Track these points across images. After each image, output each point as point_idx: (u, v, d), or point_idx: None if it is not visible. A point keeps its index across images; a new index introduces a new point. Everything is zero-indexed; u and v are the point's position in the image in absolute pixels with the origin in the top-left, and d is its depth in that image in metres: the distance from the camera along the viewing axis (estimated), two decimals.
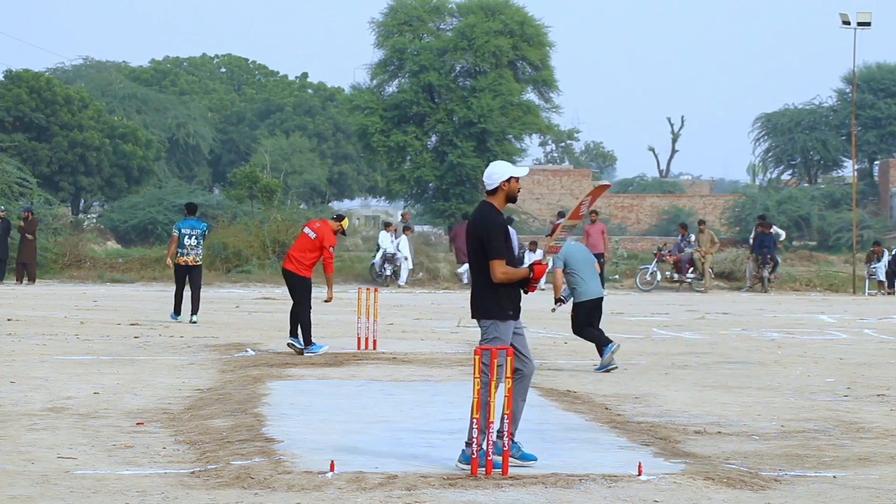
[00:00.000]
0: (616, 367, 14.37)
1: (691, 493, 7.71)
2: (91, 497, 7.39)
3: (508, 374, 8.14)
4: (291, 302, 15.87)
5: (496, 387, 8.16)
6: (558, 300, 14.93)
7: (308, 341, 15.57)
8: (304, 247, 15.88)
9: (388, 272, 33.81)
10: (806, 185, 63.17)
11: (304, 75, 76.00)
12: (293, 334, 15.59)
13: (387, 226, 36.05)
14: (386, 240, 34.06)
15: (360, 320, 16.29)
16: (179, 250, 20.36)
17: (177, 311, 20.34)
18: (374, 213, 75.76)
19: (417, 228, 39.81)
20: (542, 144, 79.82)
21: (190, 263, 20.38)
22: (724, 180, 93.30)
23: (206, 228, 20.82)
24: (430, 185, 46.19)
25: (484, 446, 8.07)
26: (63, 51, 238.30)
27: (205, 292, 29.60)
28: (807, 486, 8.08)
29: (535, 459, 8.40)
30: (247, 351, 15.76)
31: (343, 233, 16.48)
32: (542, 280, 9.38)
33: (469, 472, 8.08)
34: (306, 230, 16.09)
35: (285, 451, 8.76)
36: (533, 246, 35.40)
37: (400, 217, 36.63)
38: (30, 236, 32.20)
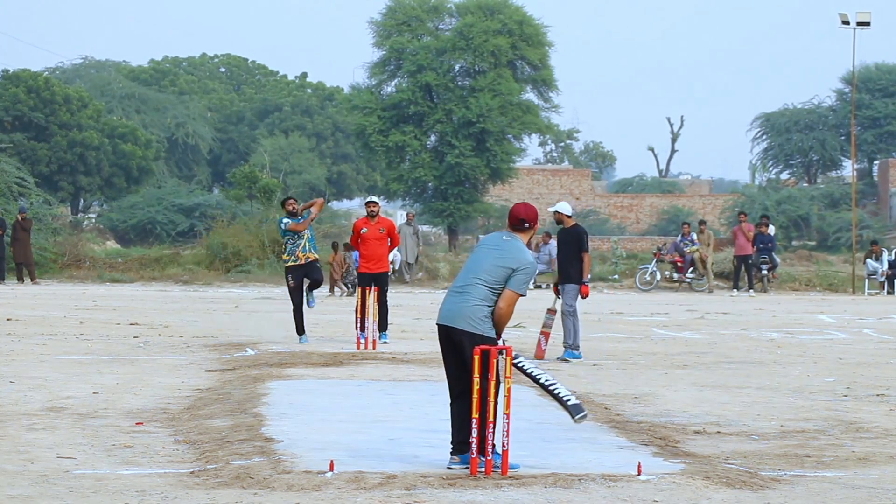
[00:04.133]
0: None
1: (690, 492, 7.71)
2: (90, 497, 7.39)
3: (508, 374, 8.14)
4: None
5: (496, 386, 8.15)
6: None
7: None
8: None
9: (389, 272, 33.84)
10: (805, 184, 63.21)
11: (304, 75, 76.01)
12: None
13: None
14: None
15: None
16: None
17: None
18: None
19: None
20: (542, 144, 79.83)
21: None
22: (723, 180, 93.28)
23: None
24: (428, 185, 46.19)
25: (474, 446, 8.08)
26: (63, 51, 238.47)
27: (203, 292, 29.71)
28: (806, 486, 8.08)
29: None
30: (246, 351, 15.75)
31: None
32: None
33: (468, 471, 8.08)
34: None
35: (285, 450, 8.75)
36: (546, 238, 35.28)
37: (405, 217, 36.56)
38: (22, 236, 32.22)
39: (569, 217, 15.70)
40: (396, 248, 34.82)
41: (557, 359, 15.42)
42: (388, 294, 17.59)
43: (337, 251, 30.16)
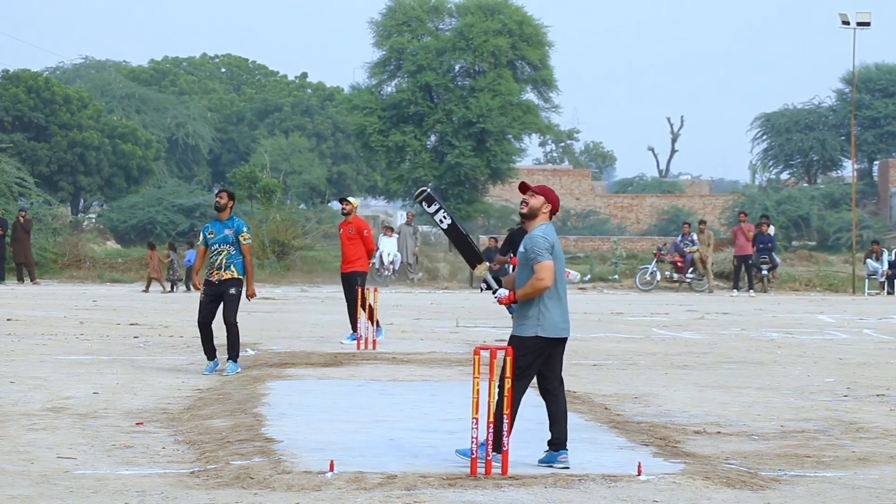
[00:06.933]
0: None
1: (691, 493, 7.71)
2: (90, 497, 7.39)
3: (508, 374, 8.14)
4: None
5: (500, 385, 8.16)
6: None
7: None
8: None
9: (389, 273, 34.02)
10: (805, 185, 63.18)
11: (304, 75, 76.02)
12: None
13: (387, 230, 36.07)
14: (386, 244, 34.27)
15: (359, 320, 16.34)
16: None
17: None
18: (374, 214, 75.81)
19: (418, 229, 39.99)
20: (542, 144, 79.84)
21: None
22: (723, 180, 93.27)
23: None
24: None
25: (474, 446, 8.09)
26: (63, 51, 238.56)
27: None
28: (806, 486, 8.08)
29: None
30: (246, 351, 15.75)
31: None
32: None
33: (469, 470, 8.08)
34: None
35: (285, 450, 8.76)
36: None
37: (405, 217, 36.68)
38: (22, 236, 32.24)
39: None
40: (397, 249, 35.06)
41: None
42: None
43: (154, 249, 31.19)
